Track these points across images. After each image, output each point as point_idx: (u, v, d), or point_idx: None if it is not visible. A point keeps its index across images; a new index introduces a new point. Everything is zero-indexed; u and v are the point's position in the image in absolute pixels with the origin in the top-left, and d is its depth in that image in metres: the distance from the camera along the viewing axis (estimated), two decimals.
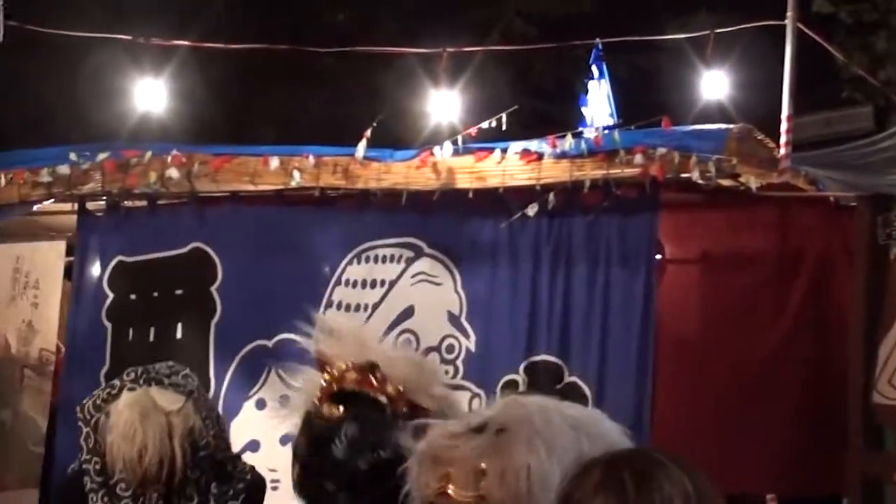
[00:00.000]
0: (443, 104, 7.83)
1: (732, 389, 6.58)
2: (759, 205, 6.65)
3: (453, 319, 6.75)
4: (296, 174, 6.87)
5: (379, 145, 6.92)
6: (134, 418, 4.54)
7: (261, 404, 6.89)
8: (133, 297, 7.13)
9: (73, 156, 7.10)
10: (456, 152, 6.73)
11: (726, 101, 8.22)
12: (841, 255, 6.59)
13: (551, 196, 6.54)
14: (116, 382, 4.72)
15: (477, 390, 6.56)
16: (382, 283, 6.87)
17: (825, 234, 6.65)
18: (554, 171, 6.58)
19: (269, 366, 6.90)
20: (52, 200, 7.19)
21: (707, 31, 7.66)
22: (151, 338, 7.00)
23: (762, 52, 8.53)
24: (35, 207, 7.24)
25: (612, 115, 8.46)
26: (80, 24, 8.82)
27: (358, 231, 6.94)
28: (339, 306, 6.90)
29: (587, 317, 6.57)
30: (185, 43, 8.91)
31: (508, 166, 6.64)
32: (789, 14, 6.95)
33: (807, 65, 7.13)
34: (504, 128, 6.93)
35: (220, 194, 7.13)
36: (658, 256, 6.69)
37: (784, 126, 6.78)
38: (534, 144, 6.64)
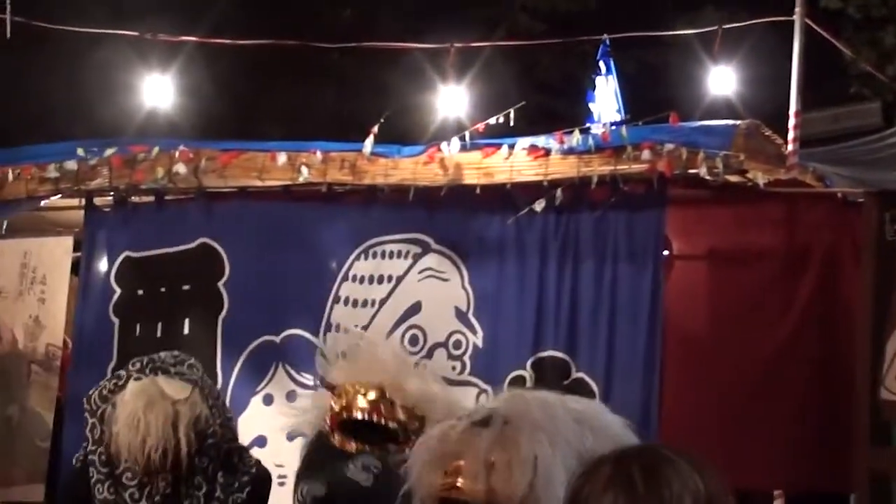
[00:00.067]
0: (450, 100, 7.82)
1: (740, 385, 6.57)
2: (766, 201, 6.64)
3: (460, 315, 6.75)
4: (303, 170, 6.87)
5: (386, 141, 6.92)
6: (139, 407, 4.55)
7: (268, 399, 6.89)
8: (140, 292, 7.14)
9: (80, 151, 7.11)
10: (463, 148, 6.73)
11: (734, 96, 8.20)
12: (849, 252, 6.58)
13: (559, 192, 6.54)
14: (122, 373, 4.73)
15: (484, 386, 6.56)
16: (389, 278, 6.87)
17: (833, 231, 6.64)
18: (561, 167, 6.58)
19: (277, 361, 6.90)
20: (60, 196, 7.20)
21: (715, 27, 7.64)
22: (159, 333, 7.01)
23: (770, 48, 8.50)
24: (42, 203, 7.25)
25: (619, 111, 8.45)
26: (86, 21, 8.82)
27: (365, 227, 6.94)
28: (346, 302, 6.90)
29: (594, 313, 6.57)
30: (192, 39, 8.90)
31: (516, 162, 6.64)
32: (797, 10, 6.94)
33: (815, 60, 7.12)
34: (511, 124, 6.93)
35: (227, 190, 7.14)
36: (665, 253, 6.68)
37: (792, 122, 6.77)
38: (541, 140, 6.64)
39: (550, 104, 12.66)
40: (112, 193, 7.18)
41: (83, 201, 7.23)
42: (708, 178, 6.37)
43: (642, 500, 2.08)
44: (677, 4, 12.15)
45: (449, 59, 7.95)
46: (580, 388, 6.35)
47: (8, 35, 7.72)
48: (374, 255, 6.91)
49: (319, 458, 4.39)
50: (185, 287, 7.11)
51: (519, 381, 6.50)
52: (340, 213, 6.99)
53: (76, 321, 7.20)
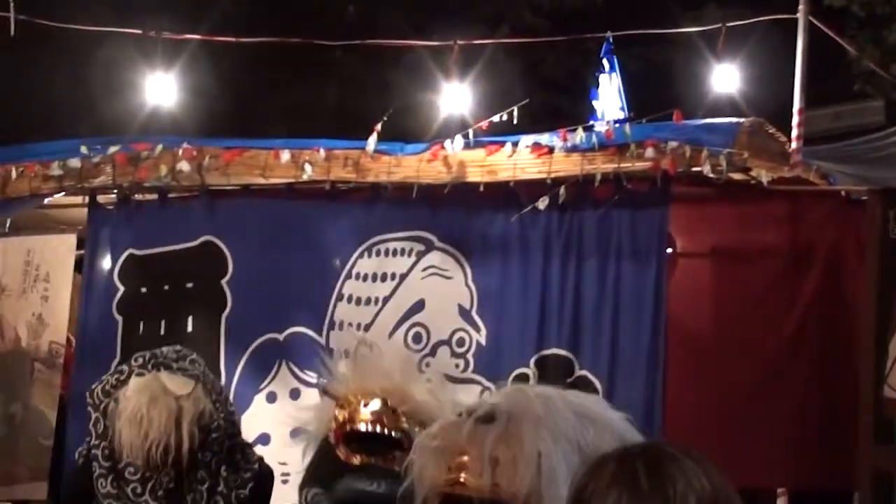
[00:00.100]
0: (453, 97, 7.82)
1: (742, 383, 6.57)
2: (770, 199, 6.63)
3: (464, 313, 6.75)
4: (307, 167, 6.87)
5: (389, 139, 6.92)
6: (142, 403, 4.55)
7: (271, 397, 6.89)
8: (144, 290, 7.14)
9: (84, 149, 7.11)
10: (467, 146, 6.73)
11: (737, 94, 8.21)
12: (852, 249, 6.57)
13: (562, 190, 6.54)
14: (125, 368, 4.72)
15: (487, 384, 6.56)
16: (393, 276, 6.87)
17: (836, 229, 6.64)
18: (565, 165, 6.58)
19: (280, 359, 6.90)
20: (63, 193, 7.21)
21: (718, 25, 7.65)
22: (162, 331, 7.01)
23: (773, 46, 8.52)
24: (46, 200, 7.25)
25: (622, 109, 8.45)
26: (90, 19, 8.83)
27: (368, 224, 6.94)
28: (349, 300, 6.90)
29: (598, 310, 6.57)
30: (196, 37, 8.92)
31: (519, 160, 6.64)
32: (801, 7, 6.94)
33: (818, 58, 7.12)
34: (515, 121, 6.93)
35: (230, 187, 7.14)
36: (669, 250, 6.68)
37: (795, 120, 6.77)
38: (545, 138, 6.63)
39: (554, 102, 12.65)
40: (115, 191, 7.18)
41: (87, 199, 7.23)
42: (711, 175, 6.37)
43: (646, 498, 2.07)
44: (681, 2, 12.14)
45: (452, 57, 7.96)
46: (584, 386, 6.34)
47: (12, 33, 7.72)
48: (378, 253, 6.91)
49: (324, 471, 4.40)
50: (189, 285, 7.12)
51: (522, 379, 6.49)
52: (344, 211, 6.99)
53: (79, 319, 7.20)
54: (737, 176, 6.56)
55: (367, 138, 6.85)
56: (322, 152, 6.88)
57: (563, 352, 6.58)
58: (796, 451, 6.55)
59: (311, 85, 13.49)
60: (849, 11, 11.91)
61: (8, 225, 7.58)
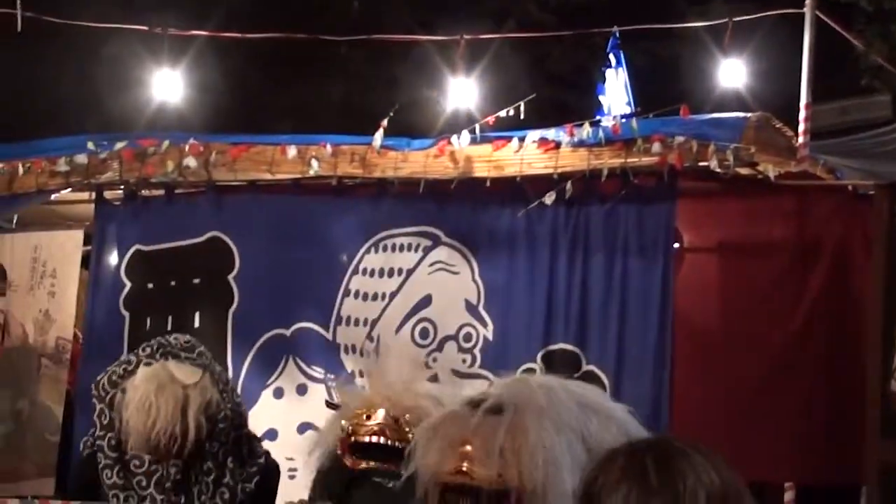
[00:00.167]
0: (459, 92, 7.81)
1: (749, 377, 6.56)
2: (777, 193, 6.63)
3: (471, 308, 6.75)
4: (313, 163, 6.87)
5: (396, 134, 6.92)
6: (150, 391, 4.55)
7: (278, 393, 6.89)
8: (150, 285, 7.15)
9: (90, 145, 7.12)
10: (473, 141, 6.72)
11: (744, 89, 8.19)
12: (859, 244, 6.56)
13: (569, 185, 6.53)
14: (132, 358, 4.73)
15: (494, 379, 6.55)
16: (400, 271, 6.87)
17: (843, 223, 6.63)
18: (571, 160, 6.57)
19: (287, 354, 6.90)
20: (70, 189, 7.21)
21: (725, 20, 7.63)
22: (169, 326, 7.01)
23: (780, 40, 8.48)
24: (53, 196, 7.26)
25: (629, 104, 8.43)
26: (97, 15, 8.82)
27: (375, 220, 6.94)
28: (356, 295, 6.90)
29: (605, 305, 6.56)
30: (202, 33, 8.90)
31: (526, 155, 6.63)
32: (808, 2, 6.93)
33: (825, 53, 7.10)
34: (521, 116, 6.91)
35: (237, 183, 7.14)
36: (676, 245, 6.67)
37: (802, 114, 6.76)
38: (551, 133, 6.63)
39: (561, 97, 12.63)
40: (122, 187, 7.19)
41: (93, 195, 7.24)
42: (718, 170, 6.36)
43: (656, 493, 2.07)
44: None
45: (458, 52, 7.95)
46: (590, 381, 6.33)
47: (19, 29, 7.72)
48: (385, 249, 6.91)
49: (334, 479, 4.42)
50: (196, 280, 7.12)
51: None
52: (350, 207, 6.99)
53: (86, 315, 7.21)
54: (744, 171, 6.55)
55: (373, 134, 6.85)
56: (329, 148, 6.88)
57: (570, 346, 6.58)
58: (803, 445, 6.54)
59: (317, 81, 13.48)
60: (856, 6, 11.89)
61: (15, 221, 7.59)
